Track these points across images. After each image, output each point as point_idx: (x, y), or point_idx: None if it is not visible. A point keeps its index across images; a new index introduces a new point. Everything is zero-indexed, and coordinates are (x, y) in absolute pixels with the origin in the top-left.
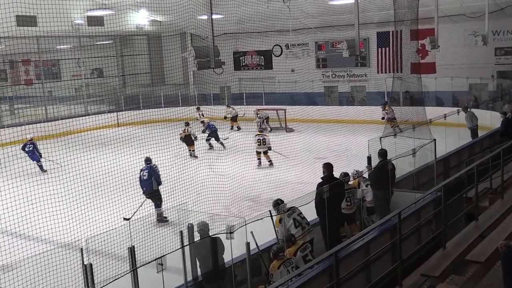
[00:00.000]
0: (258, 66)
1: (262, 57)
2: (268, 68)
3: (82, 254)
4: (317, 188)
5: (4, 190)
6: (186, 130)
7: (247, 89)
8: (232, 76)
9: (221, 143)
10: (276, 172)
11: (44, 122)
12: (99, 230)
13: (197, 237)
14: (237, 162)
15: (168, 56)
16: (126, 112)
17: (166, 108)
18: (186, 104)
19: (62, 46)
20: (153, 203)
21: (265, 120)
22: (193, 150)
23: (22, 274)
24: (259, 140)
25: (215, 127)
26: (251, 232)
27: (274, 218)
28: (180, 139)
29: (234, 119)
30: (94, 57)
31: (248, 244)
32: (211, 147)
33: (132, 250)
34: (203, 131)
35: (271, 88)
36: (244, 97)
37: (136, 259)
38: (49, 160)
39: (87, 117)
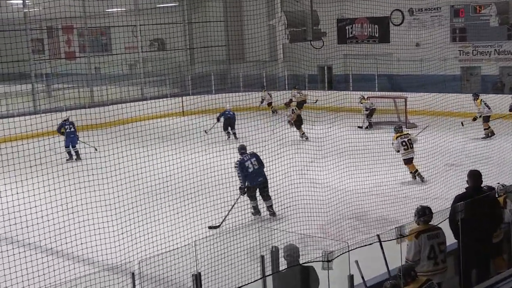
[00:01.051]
0: (371, 38)
1: (376, 26)
2: (384, 42)
3: (133, 280)
4: (453, 202)
5: (38, 193)
6: (294, 110)
7: (355, 69)
8: (335, 52)
9: (234, 133)
10: (392, 183)
11: (89, 107)
12: (156, 250)
13: (283, 264)
14: (338, 168)
15: (250, 24)
16: (194, 96)
17: (245, 93)
18: (272, 88)
19: (113, 10)
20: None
21: (364, 112)
22: (303, 133)
23: None
24: (404, 143)
25: (232, 113)
26: (356, 262)
27: (409, 230)
28: (290, 123)
29: (301, 105)
30: (154, 24)
31: (351, 277)
32: (229, 136)
33: (197, 277)
34: (218, 119)
35: (387, 68)
36: (350, 80)
37: None
38: (83, 142)
39: (143, 102)
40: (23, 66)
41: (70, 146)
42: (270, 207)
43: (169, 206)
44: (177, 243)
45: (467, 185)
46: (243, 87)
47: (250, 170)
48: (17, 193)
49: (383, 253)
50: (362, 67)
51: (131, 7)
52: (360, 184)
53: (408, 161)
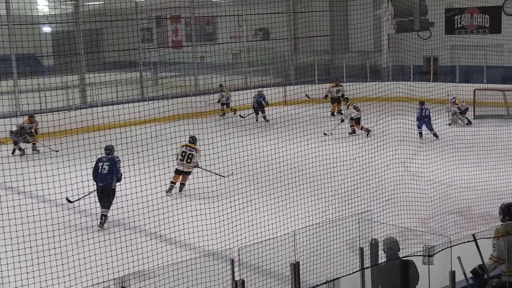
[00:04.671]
0: (481, 28)
1: (487, 16)
2: (495, 32)
3: (233, 267)
4: None
5: (145, 179)
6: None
7: (462, 60)
8: (443, 43)
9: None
10: (498, 178)
11: (193, 95)
12: (256, 238)
13: (382, 258)
14: (442, 161)
15: (355, 13)
16: (297, 86)
17: (349, 83)
18: (376, 78)
19: None
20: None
21: (457, 113)
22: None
23: (159, 286)
24: None
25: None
26: (458, 258)
27: (495, 228)
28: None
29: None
30: (259, 13)
31: (452, 273)
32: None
33: (296, 267)
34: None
35: (498, 59)
36: (457, 72)
37: (301, 280)
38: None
39: (246, 91)
40: (133, 54)
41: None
42: (103, 216)
43: (269, 195)
44: (276, 232)
45: None
46: (346, 77)
47: (99, 171)
48: (124, 178)
49: (479, 252)
50: (470, 59)
51: None
52: (465, 178)
53: None
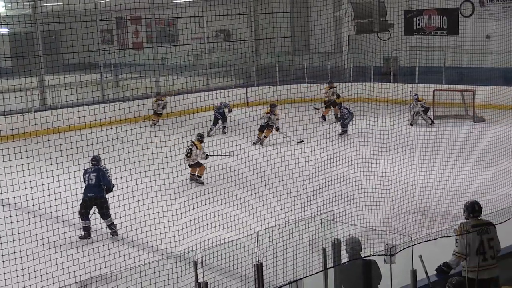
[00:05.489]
0: (439, 30)
1: (445, 17)
2: (453, 33)
3: (196, 269)
4: None
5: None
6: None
7: (422, 61)
8: (402, 44)
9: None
10: (459, 177)
11: (154, 97)
12: (219, 240)
13: (345, 257)
14: (403, 161)
15: (316, 15)
16: (258, 87)
17: (310, 84)
18: (337, 79)
19: (180, 0)
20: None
21: (420, 111)
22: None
23: None
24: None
25: (222, 108)
26: (420, 256)
27: (457, 226)
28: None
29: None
30: (220, 15)
31: (414, 272)
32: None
33: (259, 268)
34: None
35: (456, 60)
36: (417, 73)
37: (264, 281)
38: None
39: (207, 92)
40: (93, 56)
41: None
42: (109, 226)
43: (232, 196)
44: (239, 234)
45: None
46: (307, 78)
47: (86, 183)
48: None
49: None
50: (429, 60)
51: None
52: (425, 178)
53: None
